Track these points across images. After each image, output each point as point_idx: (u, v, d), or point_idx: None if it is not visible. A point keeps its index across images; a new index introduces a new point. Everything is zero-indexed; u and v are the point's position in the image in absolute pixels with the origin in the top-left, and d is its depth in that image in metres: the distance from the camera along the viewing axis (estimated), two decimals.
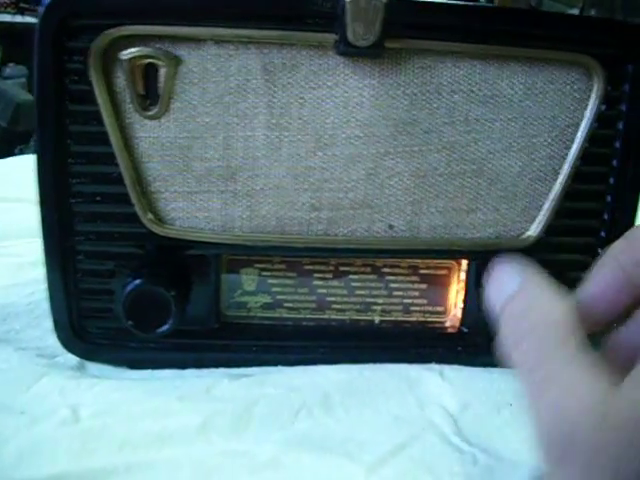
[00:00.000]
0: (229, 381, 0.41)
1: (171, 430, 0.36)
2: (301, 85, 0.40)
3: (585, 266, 0.44)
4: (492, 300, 0.32)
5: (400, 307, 0.45)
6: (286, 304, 0.45)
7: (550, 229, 0.43)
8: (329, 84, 0.40)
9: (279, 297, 0.44)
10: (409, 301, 0.45)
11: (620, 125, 0.42)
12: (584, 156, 0.42)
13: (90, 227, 0.41)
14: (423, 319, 0.46)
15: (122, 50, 0.38)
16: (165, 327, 0.40)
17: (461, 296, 0.45)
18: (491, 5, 0.41)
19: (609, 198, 0.44)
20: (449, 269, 0.45)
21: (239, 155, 0.40)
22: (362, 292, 0.45)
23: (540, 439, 0.26)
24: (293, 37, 0.39)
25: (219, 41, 0.39)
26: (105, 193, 0.41)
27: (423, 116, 0.41)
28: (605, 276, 0.30)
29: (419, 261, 0.44)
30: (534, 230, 0.43)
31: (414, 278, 0.45)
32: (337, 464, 0.34)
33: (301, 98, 0.40)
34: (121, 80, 0.39)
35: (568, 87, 0.42)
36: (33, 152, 0.41)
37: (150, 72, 0.39)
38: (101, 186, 0.41)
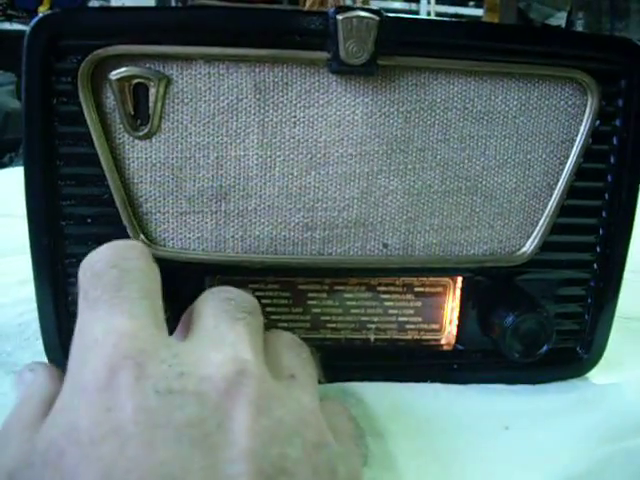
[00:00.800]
0: None
1: None
2: (293, 104, 0.39)
3: (581, 282, 0.44)
4: None
5: (395, 325, 0.45)
6: (280, 324, 0.44)
7: (546, 245, 0.43)
8: (322, 102, 0.39)
9: (273, 317, 0.44)
10: (404, 319, 0.45)
11: (615, 140, 0.42)
12: (579, 172, 0.42)
13: (81, 249, 0.40)
14: (418, 337, 0.45)
15: (111, 70, 0.38)
16: None
17: (456, 313, 0.45)
18: (485, 22, 0.41)
19: (605, 213, 0.43)
20: (444, 287, 0.44)
21: (231, 175, 0.40)
22: (357, 311, 0.44)
23: None
24: (285, 55, 0.38)
25: (210, 60, 0.38)
26: (96, 215, 0.40)
27: (417, 133, 0.40)
28: None
29: (414, 279, 0.44)
30: (529, 246, 0.43)
31: (409, 296, 0.44)
32: None
33: (293, 117, 0.39)
34: (111, 100, 0.38)
35: (563, 103, 0.41)
36: (23, 161, 0.40)
37: (140, 92, 0.39)
38: (92, 208, 0.40)
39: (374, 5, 0.38)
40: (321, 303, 0.44)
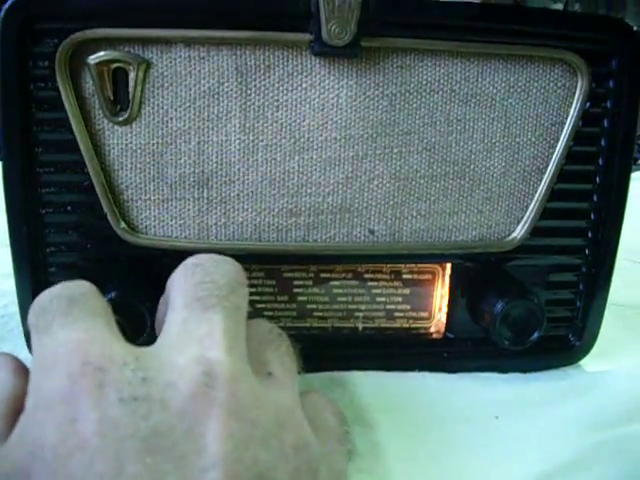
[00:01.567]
0: None
1: None
2: (276, 87, 0.38)
3: (573, 268, 0.43)
4: None
5: (383, 313, 0.44)
6: (266, 313, 0.43)
7: (536, 230, 0.42)
8: (305, 86, 0.38)
9: (258, 306, 0.43)
10: (392, 307, 0.44)
11: (606, 122, 0.41)
12: (569, 155, 0.41)
13: (61, 238, 0.40)
14: (407, 325, 0.45)
15: (89, 54, 0.37)
16: (140, 339, 0.39)
17: (445, 301, 0.44)
18: (471, 1, 0.40)
19: (596, 197, 0.42)
20: (433, 273, 0.44)
21: (213, 161, 0.39)
22: (344, 299, 0.43)
23: None
24: (267, 38, 0.37)
25: (190, 43, 0.37)
26: (76, 202, 0.39)
27: (402, 117, 0.39)
28: None
29: (402, 266, 0.43)
30: (519, 232, 0.42)
31: (397, 283, 0.44)
32: None
33: (276, 100, 0.39)
34: (89, 85, 0.38)
35: (552, 84, 0.40)
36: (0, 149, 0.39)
37: (119, 76, 0.38)
38: (71, 195, 0.39)
39: None
40: (307, 291, 0.43)
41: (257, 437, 0.24)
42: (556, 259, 0.43)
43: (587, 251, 0.43)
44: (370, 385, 0.41)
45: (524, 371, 0.44)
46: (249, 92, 0.38)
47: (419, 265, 0.43)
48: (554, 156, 0.41)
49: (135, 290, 0.39)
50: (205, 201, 0.40)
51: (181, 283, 0.30)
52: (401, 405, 0.40)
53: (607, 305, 0.44)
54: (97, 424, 0.23)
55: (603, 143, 0.41)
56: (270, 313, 0.43)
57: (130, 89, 0.38)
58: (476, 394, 0.41)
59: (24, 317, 0.41)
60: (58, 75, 0.37)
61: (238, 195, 0.40)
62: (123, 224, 0.40)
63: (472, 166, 0.41)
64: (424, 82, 0.39)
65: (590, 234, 0.43)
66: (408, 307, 0.44)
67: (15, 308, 0.42)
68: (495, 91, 0.40)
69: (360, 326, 0.44)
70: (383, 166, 0.40)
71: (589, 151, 0.42)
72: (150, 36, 0.37)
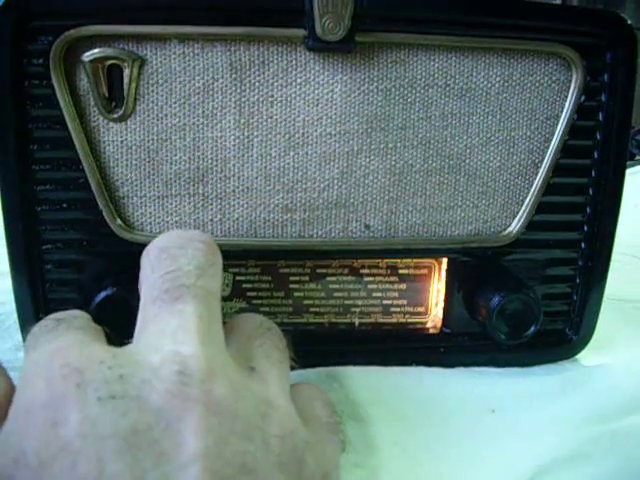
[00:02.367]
0: None
1: None
2: (270, 83, 0.38)
3: (569, 261, 0.43)
4: None
5: (380, 308, 0.44)
6: (262, 309, 0.43)
7: (532, 224, 0.42)
8: (299, 81, 0.38)
9: (255, 302, 0.43)
10: (389, 302, 0.44)
11: (600, 116, 0.41)
12: (565, 149, 0.41)
13: (57, 235, 0.40)
14: (404, 320, 0.45)
15: (84, 51, 0.37)
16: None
17: (442, 296, 0.44)
18: None
19: (591, 191, 0.42)
20: (429, 268, 0.44)
21: (208, 157, 0.39)
22: (340, 294, 0.43)
23: None
24: (261, 33, 0.37)
25: (184, 39, 0.37)
26: (71, 199, 0.39)
27: (397, 111, 0.39)
28: None
29: (398, 261, 0.43)
30: (515, 226, 0.42)
31: (393, 278, 0.44)
32: None
33: (271, 96, 0.39)
34: (84, 82, 0.38)
35: (546, 78, 0.40)
36: None
37: (114, 73, 0.38)
38: (67, 192, 0.39)
39: None
40: (303, 287, 0.43)
41: (238, 430, 0.24)
42: (552, 253, 0.43)
43: (583, 245, 0.43)
44: (366, 380, 0.41)
45: (521, 365, 0.44)
46: (244, 88, 0.38)
47: (415, 260, 0.43)
48: (549, 150, 0.41)
49: (131, 286, 0.39)
50: (200, 197, 0.40)
51: (147, 275, 0.30)
52: (397, 400, 0.40)
53: (605, 299, 0.44)
54: (78, 425, 0.23)
55: (598, 136, 0.41)
56: (267, 309, 0.43)
57: (125, 86, 0.38)
58: (472, 388, 0.41)
59: (21, 315, 0.41)
60: (53, 72, 0.37)
61: (234, 191, 0.40)
62: (119, 221, 0.40)
63: (467, 160, 0.41)
64: (419, 77, 0.39)
65: (586, 228, 0.43)
66: (404, 302, 0.44)
67: (12, 306, 0.42)
68: (490, 85, 0.40)
69: (357, 321, 0.44)
70: (378, 161, 0.40)
71: (584, 145, 0.42)
72: (144, 33, 0.37)
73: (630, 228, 0.61)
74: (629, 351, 0.46)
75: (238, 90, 0.38)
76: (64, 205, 0.40)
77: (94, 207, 0.39)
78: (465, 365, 0.44)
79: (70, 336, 0.28)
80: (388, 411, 0.39)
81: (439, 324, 0.45)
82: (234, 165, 0.39)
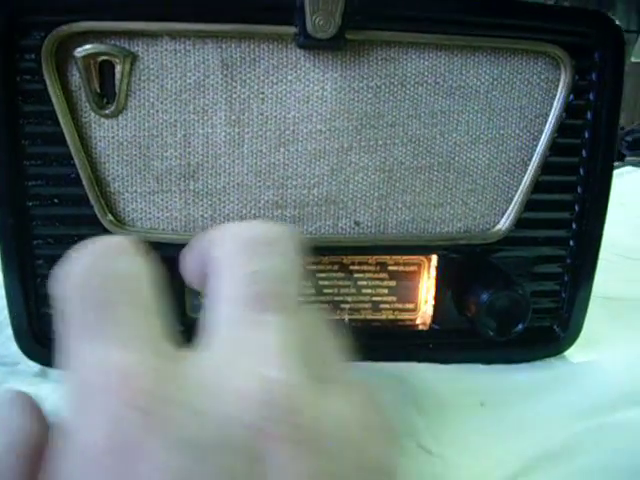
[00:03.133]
0: None
1: None
2: (261, 80, 0.39)
3: (557, 258, 0.44)
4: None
5: (369, 305, 0.44)
6: None
7: (520, 222, 0.43)
8: (290, 78, 0.39)
9: None
10: (378, 299, 0.44)
11: (589, 115, 0.42)
12: (553, 147, 0.42)
13: (49, 230, 0.40)
14: (393, 317, 0.45)
15: (76, 47, 0.37)
16: None
17: (432, 292, 0.44)
18: None
19: (580, 189, 0.43)
20: (418, 265, 0.44)
21: (199, 153, 0.39)
22: (330, 291, 0.44)
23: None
24: (252, 30, 0.38)
25: (176, 36, 0.38)
26: (63, 195, 0.40)
27: (387, 109, 0.40)
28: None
29: (387, 257, 0.43)
30: (504, 223, 0.43)
31: (383, 275, 0.44)
32: None
33: (261, 93, 0.39)
34: (76, 78, 0.38)
35: (535, 77, 0.41)
36: None
37: (106, 69, 0.38)
38: (59, 188, 0.39)
39: None
40: None
41: (339, 473, 0.20)
42: (541, 250, 0.44)
43: (571, 242, 0.44)
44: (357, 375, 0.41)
45: (509, 362, 0.45)
46: (234, 85, 0.39)
47: (405, 257, 0.44)
48: (538, 148, 0.42)
49: None
50: (191, 193, 0.40)
51: (231, 266, 0.24)
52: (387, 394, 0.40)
53: (592, 297, 0.44)
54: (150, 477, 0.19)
55: (586, 135, 0.42)
56: None
57: (116, 82, 0.38)
58: (461, 382, 0.41)
59: (12, 310, 0.41)
60: (45, 68, 0.37)
61: (224, 187, 0.40)
62: (110, 216, 0.40)
63: (457, 158, 0.41)
64: (408, 74, 0.39)
65: (574, 225, 0.43)
66: (394, 299, 0.45)
67: (3, 302, 0.42)
68: (479, 83, 0.40)
69: (346, 318, 0.45)
70: (368, 158, 0.40)
71: (573, 143, 0.42)
72: (136, 29, 0.37)
73: (617, 227, 0.62)
74: (616, 348, 0.47)
75: (229, 87, 0.39)
76: (55, 200, 0.40)
77: (85, 203, 0.40)
78: (454, 361, 0.44)
79: (131, 335, 0.22)
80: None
81: (428, 321, 0.45)
82: (225, 161, 0.40)
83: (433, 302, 0.44)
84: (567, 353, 0.46)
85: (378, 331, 0.45)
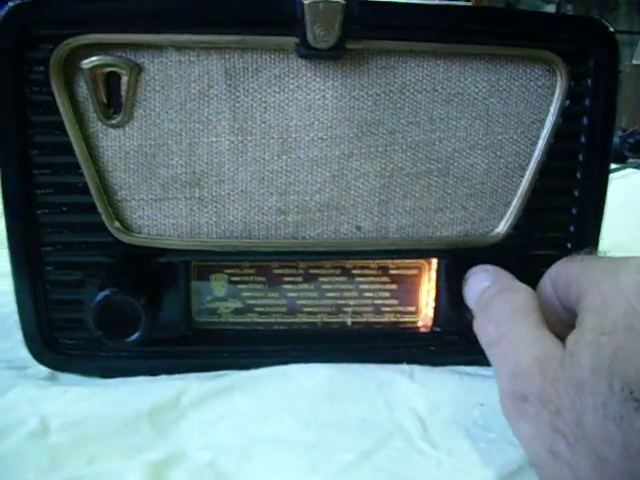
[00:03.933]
0: (198, 390, 0.40)
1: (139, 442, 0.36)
2: (264, 89, 0.40)
3: (555, 261, 0.44)
4: (469, 298, 0.40)
5: (371, 308, 0.45)
6: (257, 309, 0.45)
7: (519, 225, 0.43)
8: (292, 87, 0.40)
9: (249, 302, 0.44)
10: (380, 302, 0.45)
11: (585, 120, 0.42)
12: (550, 152, 0.42)
13: (57, 237, 0.41)
14: (395, 320, 0.46)
15: (83, 59, 0.38)
16: (135, 336, 0.40)
17: (432, 295, 0.45)
18: (452, 3, 0.42)
19: (577, 193, 0.44)
20: (419, 269, 0.45)
21: (204, 161, 0.40)
22: (333, 294, 0.45)
23: (502, 403, 0.31)
24: (254, 41, 0.39)
25: (180, 47, 0.39)
26: (71, 203, 0.41)
27: (387, 116, 0.41)
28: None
29: (389, 261, 0.44)
30: (503, 227, 0.43)
31: (384, 279, 0.45)
32: (300, 477, 0.33)
33: (264, 102, 0.40)
34: (83, 89, 0.39)
35: (532, 83, 0.42)
36: None
37: (112, 80, 0.39)
38: (67, 196, 0.41)
39: None
40: (297, 287, 0.44)
41: None
42: (539, 252, 0.44)
43: (569, 245, 0.44)
44: (353, 376, 0.42)
45: None
46: (238, 94, 0.40)
47: (406, 261, 0.44)
48: (535, 153, 0.42)
49: (130, 288, 0.40)
50: (196, 200, 0.41)
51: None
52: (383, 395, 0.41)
53: None
54: None
55: (583, 139, 0.43)
56: (261, 309, 0.45)
57: (123, 93, 0.39)
58: (461, 383, 0.42)
59: (22, 315, 0.42)
60: (53, 80, 0.38)
61: (228, 194, 0.41)
62: (117, 224, 0.41)
63: (455, 163, 0.42)
64: (407, 82, 0.40)
65: (572, 228, 0.44)
66: (396, 302, 0.45)
67: (12, 307, 0.43)
68: (477, 90, 0.41)
69: (349, 321, 0.45)
70: (369, 164, 0.41)
71: (569, 147, 0.43)
72: (142, 41, 0.38)
73: (618, 229, 0.62)
74: None
75: (233, 96, 0.39)
76: (64, 208, 0.41)
77: (93, 210, 0.41)
78: (455, 364, 0.44)
79: None
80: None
81: (430, 323, 0.46)
82: (229, 169, 0.40)
83: (434, 305, 0.45)
84: None
85: (380, 334, 0.46)
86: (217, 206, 0.41)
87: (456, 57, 0.40)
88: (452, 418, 0.38)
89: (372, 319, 0.46)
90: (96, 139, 0.40)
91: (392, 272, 0.45)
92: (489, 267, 0.40)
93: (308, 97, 0.40)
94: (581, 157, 0.43)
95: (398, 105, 0.40)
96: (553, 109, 0.42)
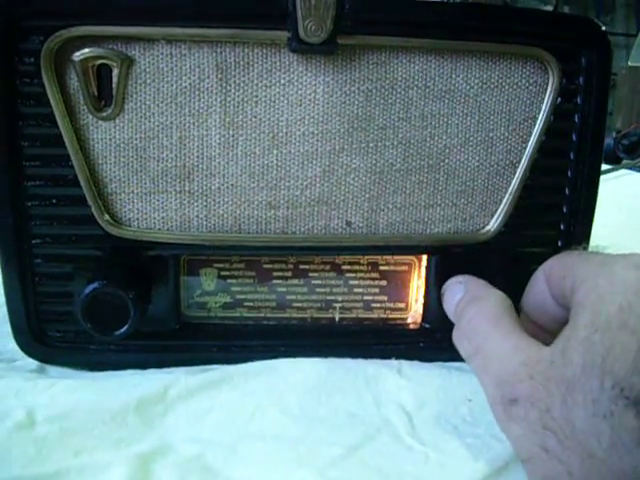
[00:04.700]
0: (186, 383, 0.40)
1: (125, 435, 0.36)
2: (255, 83, 0.40)
3: (545, 259, 0.44)
4: (447, 312, 0.41)
5: (361, 304, 0.45)
6: (246, 303, 0.44)
7: (509, 223, 0.43)
8: (283, 82, 0.40)
9: (239, 297, 0.44)
10: (370, 298, 0.45)
11: (576, 118, 0.42)
12: (542, 149, 0.43)
13: (47, 230, 0.41)
14: (384, 316, 0.46)
15: (74, 51, 0.38)
16: (124, 329, 0.40)
17: (422, 292, 0.45)
18: (444, 0, 0.42)
19: (567, 191, 0.44)
20: (409, 265, 0.45)
21: (194, 154, 0.40)
22: (322, 290, 0.45)
23: (492, 409, 0.31)
24: (246, 35, 0.39)
25: (172, 40, 0.39)
26: (61, 195, 0.41)
27: (378, 112, 0.41)
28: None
29: (378, 257, 0.44)
30: (493, 224, 0.43)
31: (374, 275, 0.45)
32: (286, 470, 0.33)
33: (255, 96, 0.40)
34: (74, 81, 0.39)
35: (524, 81, 0.42)
36: None
37: (103, 73, 0.39)
38: (57, 188, 0.40)
39: None
40: (286, 282, 0.44)
41: None
42: (529, 250, 0.44)
43: (560, 243, 0.44)
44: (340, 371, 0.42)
45: None
46: (229, 88, 0.39)
47: (395, 257, 0.44)
48: (527, 150, 0.42)
49: (119, 281, 0.40)
50: (187, 194, 0.41)
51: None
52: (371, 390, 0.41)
53: None
54: None
55: (574, 137, 0.43)
56: (250, 304, 0.44)
57: (114, 85, 0.39)
58: (449, 380, 0.42)
59: (10, 307, 0.42)
60: (43, 71, 0.38)
61: (219, 188, 0.41)
62: (107, 216, 0.41)
63: (447, 160, 0.42)
64: (399, 78, 0.40)
65: (562, 226, 0.44)
66: (385, 298, 0.45)
67: (1, 299, 0.43)
68: (469, 87, 0.41)
69: (338, 317, 0.45)
70: (359, 160, 0.41)
71: (560, 145, 0.43)
72: (133, 34, 0.38)
73: (612, 230, 0.62)
74: None
75: (223, 90, 0.39)
76: (53, 201, 0.41)
77: (83, 203, 0.40)
78: (443, 360, 0.44)
79: None
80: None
81: (419, 320, 0.46)
82: (219, 163, 0.40)
83: (423, 301, 0.45)
84: None
85: (369, 329, 0.46)
86: (207, 200, 0.41)
87: (448, 53, 0.40)
88: (440, 413, 0.38)
89: (361, 315, 0.46)
90: (86, 131, 0.40)
91: (382, 268, 0.45)
92: (462, 278, 0.41)
93: (299, 92, 0.40)
94: (572, 155, 0.43)
95: (389, 101, 0.40)
96: (545, 107, 0.42)
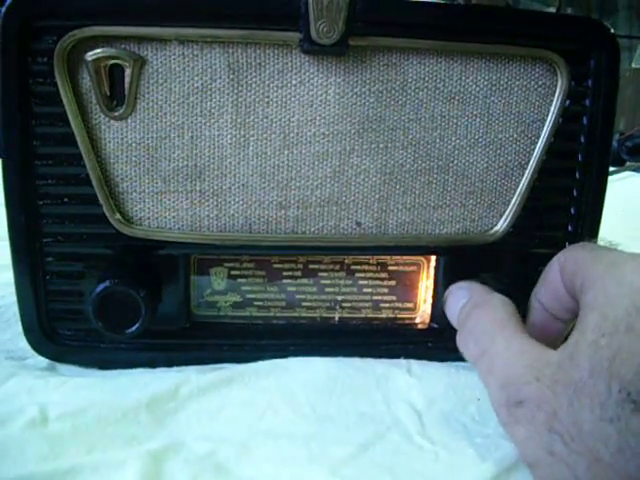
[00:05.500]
0: (197, 381, 0.40)
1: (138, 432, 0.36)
2: (266, 84, 0.40)
3: None
4: (450, 318, 0.41)
5: (370, 304, 0.46)
6: (256, 303, 0.45)
7: (517, 224, 0.44)
8: (294, 82, 0.40)
9: (249, 296, 0.45)
10: (379, 298, 0.46)
11: (585, 120, 0.43)
12: (550, 151, 0.43)
13: (58, 229, 0.41)
14: (393, 315, 0.46)
15: (87, 51, 0.38)
16: (135, 327, 0.40)
17: (430, 292, 0.45)
18: (455, 2, 0.42)
19: (575, 192, 0.44)
20: (418, 265, 0.45)
21: (206, 154, 0.41)
22: (331, 289, 0.45)
23: (496, 411, 0.31)
24: (258, 36, 0.39)
25: (184, 41, 0.39)
26: (73, 194, 0.41)
27: (389, 113, 0.41)
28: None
29: (388, 258, 0.45)
30: (502, 225, 0.44)
31: (383, 275, 0.45)
32: (298, 468, 0.33)
33: (267, 97, 0.40)
34: (86, 81, 0.39)
35: (533, 83, 0.42)
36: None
37: (116, 73, 0.39)
38: (68, 187, 0.41)
39: None
40: (296, 282, 0.45)
41: None
42: (537, 251, 0.45)
43: (567, 244, 0.45)
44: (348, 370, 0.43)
45: None
46: (240, 88, 0.40)
47: (404, 257, 0.45)
48: (535, 152, 0.43)
49: (130, 280, 0.41)
50: (198, 194, 0.41)
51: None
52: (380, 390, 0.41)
53: None
54: None
55: (582, 139, 0.43)
56: (260, 303, 0.45)
57: (126, 85, 0.39)
58: (458, 379, 0.42)
59: (22, 306, 0.42)
60: (56, 71, 0.38)
61: (230, 188, 0.41)
62: (118, 215, 0.41)
63: (455, 161, 0.42)
64: (409, 80, 0.41)
65: (570, 227, 0.44)
66: (394, 298, 0.46)
67: (11, 299, 0.43)
68: (478, 89, 0.41)
69: (347, 316, 0.46)
70: (369, 160, 0.41)
71: (569, 147, 0.43)
72: (145, 34, 0.39)
73: (617, 231, 0.63)
74: None
75: (235, 90, 0.40)
76: (65, 200, 0.41)
77: (94, 202, 0.41)
78: (451, 360, 0.45)
79: None
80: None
81: (427, 320, 0.46)
82: (230, 163, 0.41)
83: (432, 301, 0.46)
84: None
85: (378, 329, 0.46)
86: (218, 200, 0.41)
87: (458, 55, 0.41)
88: (449, 412, 0.39)
89: (370, 315, 0.46)
90: (98, 131, 0.40)
91: (391, 268, 0.45)
92: (465, 284, 0.41)
93: (310, 93, 0.40)
94: (580, 157, 0.43)
95: (400, 102, 0.41)
96: (553, 109, 0.42)
